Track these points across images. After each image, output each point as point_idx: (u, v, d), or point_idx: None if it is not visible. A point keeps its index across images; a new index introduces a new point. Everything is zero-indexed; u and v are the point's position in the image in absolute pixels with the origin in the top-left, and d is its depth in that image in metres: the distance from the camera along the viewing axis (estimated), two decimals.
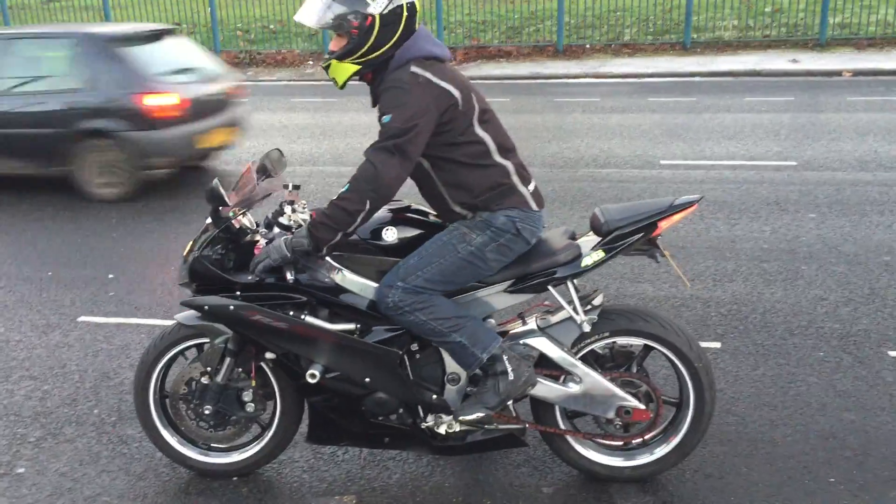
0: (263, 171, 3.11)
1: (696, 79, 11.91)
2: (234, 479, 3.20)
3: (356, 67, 2.77)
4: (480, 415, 2.84)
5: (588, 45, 14.18)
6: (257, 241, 2.98)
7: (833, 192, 6.45)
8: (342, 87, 2.87)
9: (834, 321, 4.32)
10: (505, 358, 2.83)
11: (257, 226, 3.10)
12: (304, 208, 3.04)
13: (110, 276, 5.29)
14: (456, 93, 2.71)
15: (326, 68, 2.84)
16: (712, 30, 14.45)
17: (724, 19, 14.88)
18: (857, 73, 11.69)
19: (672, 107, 9.97)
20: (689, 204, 2.93)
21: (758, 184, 6.74)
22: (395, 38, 2.72)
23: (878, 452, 3.22)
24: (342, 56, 2.75)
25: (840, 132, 8.31)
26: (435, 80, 2.68)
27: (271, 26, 16.17)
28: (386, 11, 2.68)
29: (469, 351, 2.82)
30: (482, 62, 13.79)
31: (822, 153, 7.56)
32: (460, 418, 2.87)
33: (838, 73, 11.74)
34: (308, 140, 8.85)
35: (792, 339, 4.14)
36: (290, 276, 2.83)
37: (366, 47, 2.71)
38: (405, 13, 2.72)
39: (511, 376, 2.82)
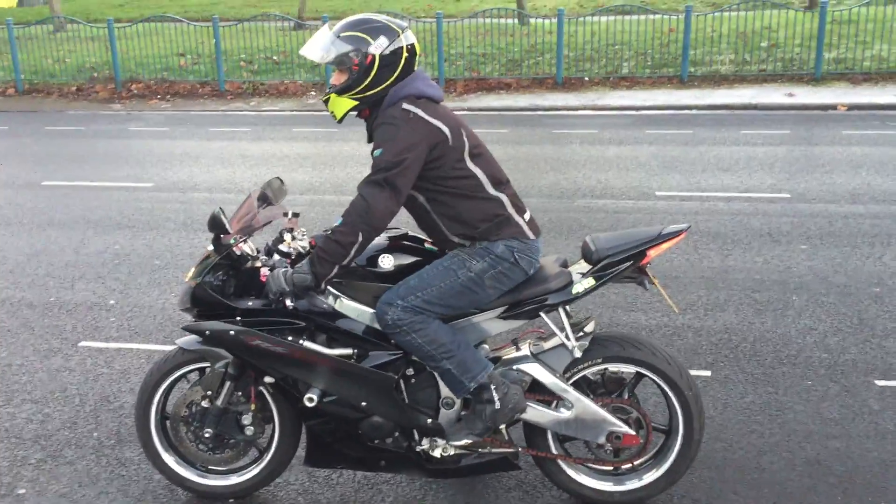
0: (264, 199, 3.22)
1: (693, 111, 12.06)
2: (231, 501, 3.26)
3: (354, 103, 2.89)
4: (469, 441, 2.95)
5: (587, 78, 14.36)
6: (258, 267, 3.06)
7: (825, 223, 6.55)
8: (340, 121, 2.98)
9: (822, 351, 4.39)
10: (492, 387, 2.92)
11: (258, 252, 3.19)
12: (303, 236, 3.14)
13: (111, 301, 5.37)
14: (445, 129, 2.82)
15: (326, 101, 2.95)
16: (709, 64, 14.64)
17: (721, 53, 15.08)
18: (851, 107, 11.83)
19: (669, 139, 10.11)
20: (678, 233, 3.02)
21: (751, 215, 6.84)
22: (392, 78, 2.84)
23: (862, 479, 3.28)
24: (341, 91, 2.87)
25: (834, 165, 8.42)
26: (425, 117, 2.80)
27: (274, 57, 16.39)
28: (387, 52, 2.82)
29: (458, 379, 2.91)
30: (482, 94, 13.97)
31: (815, 186, 7.67)
32: (451, 443, 2.98)
33: (833, 107, 11.88)
34: (309, 169, 8.98)
35: (781, 368, 4.21)
36: (289, 304, 2.91)
37: (364, 84, 2.83)
38: (405, 54, 2.85)
39: (497, 405, 2.91)
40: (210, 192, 8.12)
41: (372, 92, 2.85)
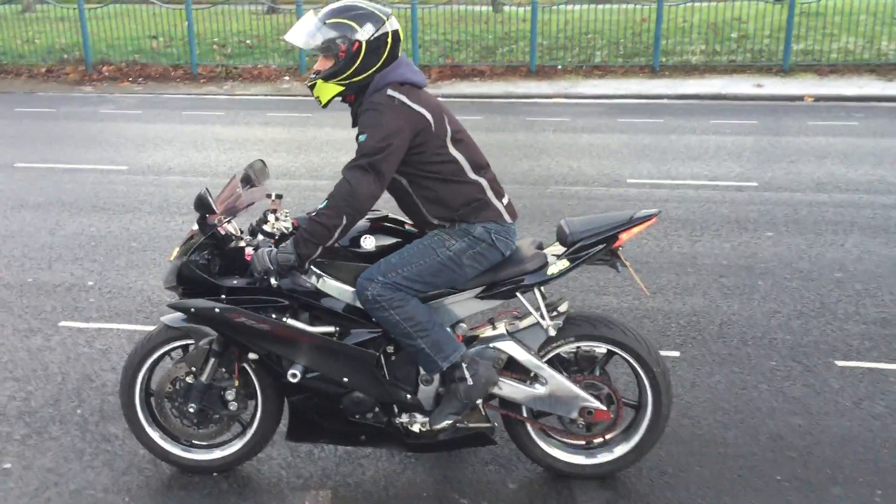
0: (247, 181, 3.28)
1: (664, 101, 12.24)
2: (215, 475, 3.34)
3: (340, 88, 2.96)
4: (450, 421, 3.05)
5: (560, 67, 14.49)
6: (243, 247, 3.13)
7: (791, 212, 6.73)
8: (325, 105, 3.05)
9: (786, 333, 4.56)
10: (464, 365, 3.03)
11: (242, 233, 3.26)
12: (286, 216, 3.22)
13: (90, 283, 5.40)
14: (429, 116, 2.91)
15: (312, 87, 3.02)
16: (680, 54, 14.84)
17: (692, 44, 15.29)
18: (818, 98, 12.09)
19: (640, 127, 10.27)
20: (648, 217, 3.14)
21: (719, 203, 7.01)
22: (378, 64, 2.92)
23: (821, 453, 3.45)
24: (328, 77, 2.94)
25: (800, 155, 8.63)
26: (409, 103, 2.88)
27: (247, 41, 16.32)
28: (372, 38, 2.89)
29: (431, 358, 3.01)
30: (456, 81, 14.04)
31: (781, 175, 7.87)
32: (434, 427, 3.07)
33: (800, 98, 12.14)
34: (284, 154, 9.01)
35: (746, 349, 4.37)
36: (274, 282, 2.99)
37: (350, 70, 2.91)
38: (390, 41, 2.92)
39: (470, 381, 3.03)
40: (185, 176, 8.13)
41: (358, 78, 2.93)
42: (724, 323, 4.70)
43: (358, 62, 2.90)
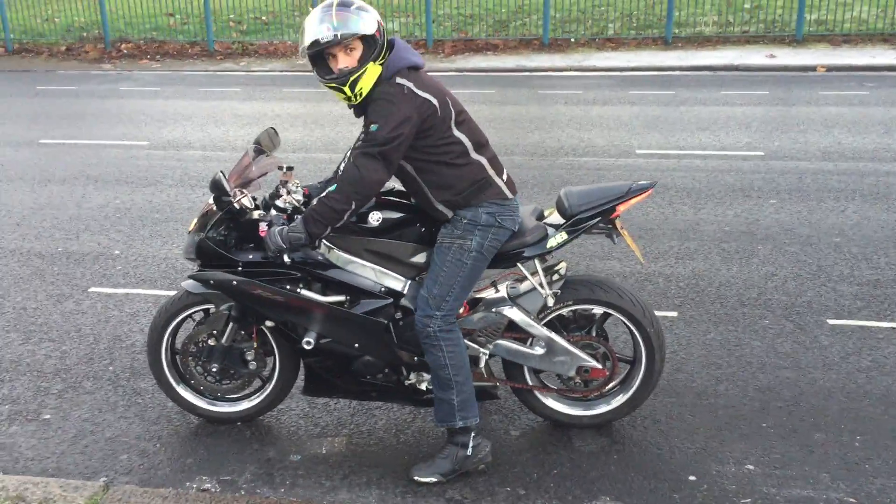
0: (259, 151, 3.47)
1: (676, 73, 12.31)
2: (238, 424, 3.60)
3: (380, 68, 3.02)
4: (433, 480, 3.22)
5: (573, 39, 14.56)
6: (257, 221, 3.29)
7: (795, 180, 6.88)
8: (360, 101, 3.11)
9: (781, 294, 4.75)
10: (472, 434, 3.22)
11: (255, 201, 3.45)
12: (297, 188, 3.38)
13: (116, 251, 5.66)
14: (434, 101, 3.02)
15: (340, 87, 3.05)
16: (693, 25, 14.86)
17: (705, 15, 15.30)
18: (830, 68, 12.11)
19: (651, 99, 10.38)
20: (645, 188, 3.30)
21: (725, 172, 7.16)
22: (384, 43, 3.02)
23: (807, 403, 3.65)
24: (373, 58, 3.02)
25: (808, 125, 8.73)
26: (416, 90, 2.99)
27: (263, 17, 16.48)
28: (378, 27, 2.99)
29: (453, 412, 3.18)
30: (469, 55, 14.15)
31: (788, 144, 7.99)
32: (414, 477, 3.21)
33: (813, 69, 12.16)
34: (300, 128, 9.22)
35: (742, 309, 4.57)
36: (287, 259, 3.18)
37: (383, 49, 3.01)
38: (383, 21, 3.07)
39: (469, 452, 3.21)
40: (204, 150, 8.36)
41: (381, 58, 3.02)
42: (722, 285, 4.89)
43: (384, 42, 3.01)
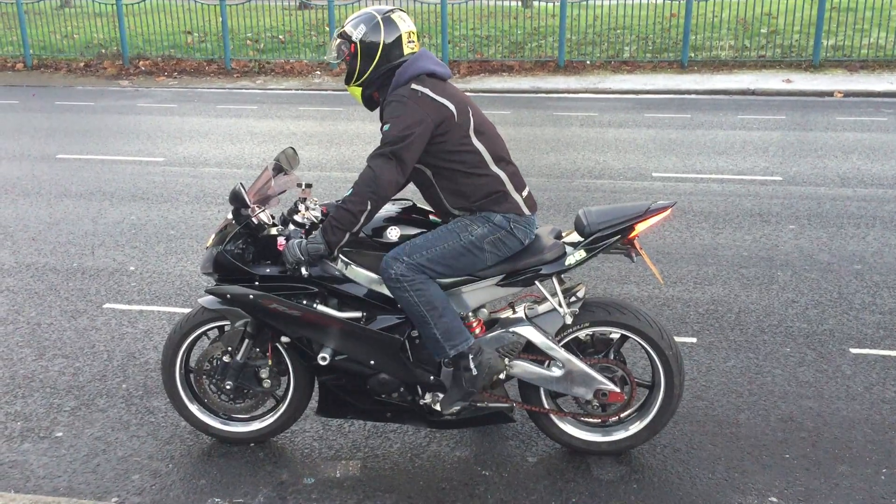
0: (279, 169, 3.47)
1: (692, 96, 12.30)
2: (252, 445, 3.55)
3: (360, 88, 3.22)
4: (458, 407, 3.26)
5: (588, 62, 14.58)
6: (275, 236, 3.30)
7: (814, 205, 6.81)
8: (370, 109, 3.30)
9: (802, 321, 4.68)
10: (470, 356, 3.19)
11: (273, 219, 3.44)
12: (315, 205, 3.40)
13: (131, 268, 5.65)
14: (451, 106, 3.08)
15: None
16: (709, 49, 14.85)
17: (722, 39, 15.29)
18: (848, 94, 12.07)
19: (667, 123, 10.35)
20: (664, 208, 3.28)
21: (743, 196, 7.11)
22: (377, 57, 3.13)
23: (830, 434, 3.58)
24: (347, 80, 3.24)
25: (826, 150, 8.68)
26: (432, 95, 3.06)
27: (280, 36, 16.59)
28: (364, 36, 3.14)
29: (440, 344, 3.17)
30: (485, 76, 14.19)
31: (806, 169, 7.93)
32: (444, 413, 3.27)
33: (830, 94, 12.12)
34: (315, 147, 9.23)
35: (762, 337, 4.50)
36: (305, 272, 3.17)
37: (357, 69, 3.17)
38: (382, 34, 3.13)
39: (474, 371, 3.19)
40: (220, 168, 8.38)
41: (366, 75, 3.17)
42: (742, 311, 4.82)
43: (360, 61, 3.15)
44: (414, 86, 3.07)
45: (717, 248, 5.88)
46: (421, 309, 3.13)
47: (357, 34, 3.14)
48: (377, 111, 3.27)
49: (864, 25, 14.79)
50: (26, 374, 4.21)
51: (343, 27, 3.19)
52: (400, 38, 3.15)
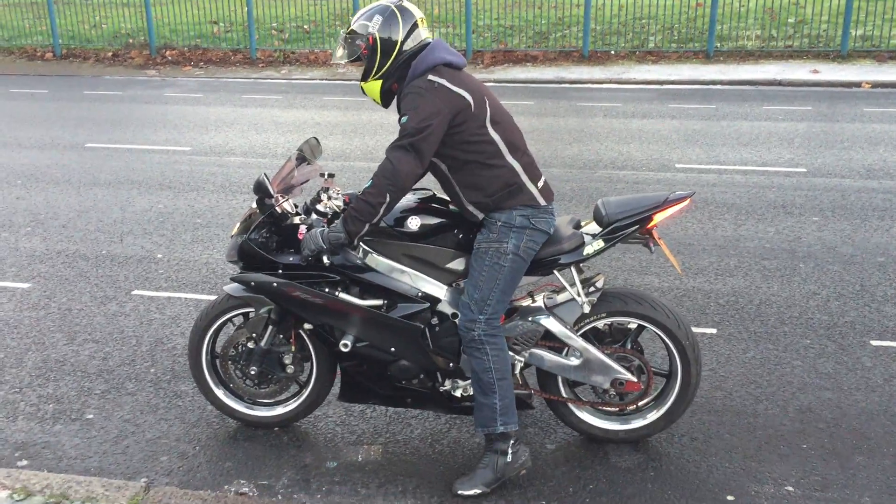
0: (302, 159, 3.53)
1: (717, 87, 12.21)
2: (276, 429, 3.63)
3: (380, 82, 3.18)
4: (478, 491, 3.19)
5: (613, 52, 14.51)
6: (297, 224, 3.37)
7: (838, 197, 6.78)
8: (385, 105, 3.27)
9: (823, 313, 4.68)
10: (511, 441, 3.20)
11: (297, 208, 3.51)
12: (338, 195, 3.45)
13: (159, 255, 5.76)
14: (468, 96, 3.08)
15: (365, 93, 3.27)
16: (735, 39, 14.73)
17: (748, 29, 15.16)
18: (875, 84, 11.92)
19: (691, 113, 10.30)
20: (682, 198, 3.30)
21: (767, 188, 7.08)
22: (398, 46, 3.12)
23: (848, 425, 3.59)
24: (364, 77, 3.20)
25: (852, 141, 8.61)
26: (449, 85, 3.06)
27: (305, 26, 16.67)
28: (381, 26, 3.12)
29: (493, 416, 3.18)
30: (509, 66, 14.17)
31: (832, 161, 7.88)
32: (458, 492, 3.18)
33: (857, 85, 11.98)
34: (340, 136, 9.30)
35: (782, 328, 4.51)
36: (326, 261, 3.23)
37: (377, 62, 3.14)
38: (400, 21, 3.12)
39: (509, 458, 3.20)
40: (245, 157, 8.48)
41: (386, 66, 3.13)
42: (763, 303, 4.83)
43: (379, 53, 3.12)
44: (431, 77, 3.06)
45: (740, 239, 5.88)
46: (493, 376, 3.15)
47: (373, 26, 3.11)
48: (393, 105, 3.27)
49: (893, 15, 14.58)
50: (58, 358, 4.32)
51: (352, 26, 3.17)
52: (416, 24, 3.16)
